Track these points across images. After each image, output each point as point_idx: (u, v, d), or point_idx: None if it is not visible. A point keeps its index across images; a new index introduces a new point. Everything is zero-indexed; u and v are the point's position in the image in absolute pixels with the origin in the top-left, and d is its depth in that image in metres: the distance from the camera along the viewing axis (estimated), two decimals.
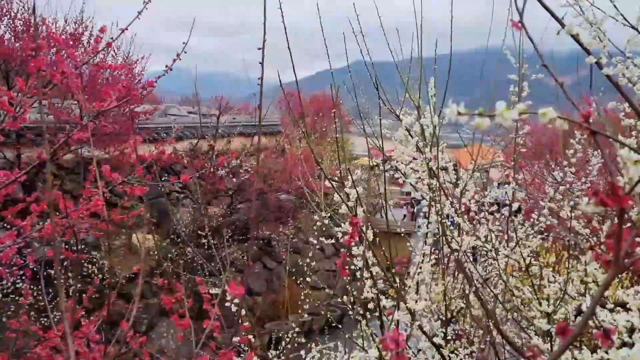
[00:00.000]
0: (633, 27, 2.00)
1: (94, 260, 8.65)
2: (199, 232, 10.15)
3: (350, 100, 3.54)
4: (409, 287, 2.42)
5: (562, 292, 2.14)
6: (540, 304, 2.20)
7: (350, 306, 3.06)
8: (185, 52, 2.20)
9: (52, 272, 8.18)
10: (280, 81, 2.00)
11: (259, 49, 1.46)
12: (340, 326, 3.10)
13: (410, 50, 2.91)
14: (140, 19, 2.13)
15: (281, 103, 18.44)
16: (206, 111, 13.31)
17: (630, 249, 0.68)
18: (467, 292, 3.07)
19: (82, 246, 8.60)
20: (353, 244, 2.83)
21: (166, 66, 2.33)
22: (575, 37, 1.63)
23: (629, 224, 0.73)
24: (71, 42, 7.79)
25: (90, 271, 8.55)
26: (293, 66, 2.43)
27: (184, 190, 11.63)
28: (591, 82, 1.37)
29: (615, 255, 0.66)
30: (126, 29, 2.32)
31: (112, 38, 2.38)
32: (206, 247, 10.36)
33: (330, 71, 2.99)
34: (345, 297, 3.05)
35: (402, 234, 4.69)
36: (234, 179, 10.37)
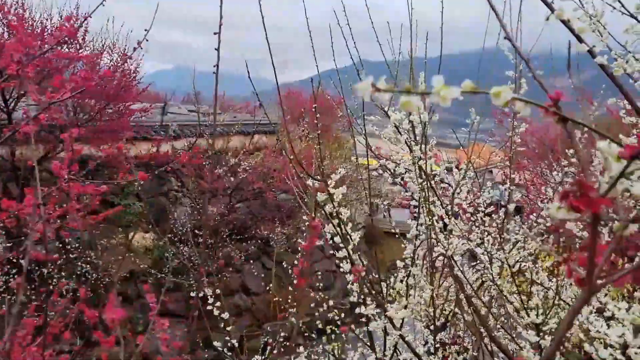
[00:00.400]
0: (632, 16, 1.85)
1: (88, 259, 8.53)
2: (197, 231, 10.04)
3: (351, 100, 3.40)
4: (393, 291, 2.29)
5: (554, 298, 2.00)
6: (528, 314, 2.06)
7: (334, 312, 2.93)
8: (147, 40, 2.08)
9: (45, 271, 8.09)
10: (249, 74, 1.86)
11: (215, 33, 1.32)
12: (313, 334, 2.97)
13: (399, 46, 2.78)
14: (104, 5, 2.01)
15: (282, 102, 18.28)
16: (205, 110, 13.19)
17: (607, 266, 0.54)
18: (459, 296, 2.93)
19: (76, 245, 8.50)
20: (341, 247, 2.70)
21: (124, 54, 2.20)
22: (566, 23, 1.49)
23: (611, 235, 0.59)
24: (67, 38, 7.67)
25: (84, 270, 8.43)
26: (273, 64, 2.29)
27: (183, 189, 11.53)
28: (569, 64, 1.23)
29: (589, 274, 0.52)
30: (89, 16, 2.20)
31: (75, 26, 2.26)
32: (204, 246, 10.25)
33: (318, 72, 2.88)
34: (330, 301, 2.92)
35: (397, 235, 4.55)
36: (232, 178, 10.25)
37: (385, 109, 2.81)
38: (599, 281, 0.54)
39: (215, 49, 1.34)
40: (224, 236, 10.20)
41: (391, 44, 3.16)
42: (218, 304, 3.18)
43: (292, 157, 2.10)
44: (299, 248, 3.64)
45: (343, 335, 2.58)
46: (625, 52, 2.19)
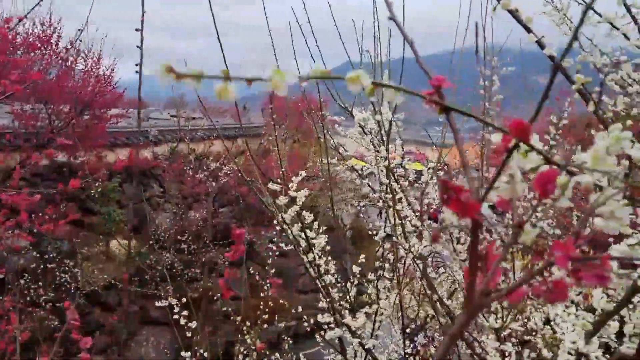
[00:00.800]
0: (589, 7, 1.79)
1: (67, 268, 8.36)
2: (179, 237, 9.91)
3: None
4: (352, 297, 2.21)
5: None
6: (486, 318, 1.99)
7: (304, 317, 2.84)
8: (81, 41, 1.99)
9: (23, 282, 7.92)
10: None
11: (137, 30, 1.24)
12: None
13: (360, 47, 2.71)
14: (41, 5, 1.91)
15: (266, 105, 18.18)
16: (187, 114, 13.07)
17: (494, 280, 0.47)
18: (434, 299, 2.86)
19: (54, 254, 8.32)
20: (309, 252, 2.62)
21: (57, 55, 2.10)
22: (513, 13, 1.43)
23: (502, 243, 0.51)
24: (39, 45, 7.52)
25: (63, 280, 8.26)
26: (226, 64, 2.21)
27: (165, 195, 11.38)
28: (477, 50, 1.16)
29: (469, 289, 0.45)
30: (25, 16, 2.10)
31: (48, 32, 2.17)
32: (186, 252, 10.11)
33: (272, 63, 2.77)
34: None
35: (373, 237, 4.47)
36: (214, 183, 10.13)
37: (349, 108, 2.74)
38: (491, 296, 0.47)
39: (138, 47, 1.26)
40: (207, 241, 10.08)
41: (358, 43, 3.10)
42: (185, 312, 3.09)
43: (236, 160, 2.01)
44: (275, 251, 3.56)
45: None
46: (593, 46, 2.14)
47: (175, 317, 3.05)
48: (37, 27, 7.91)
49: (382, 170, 2.70)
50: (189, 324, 3.03)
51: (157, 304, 3.30)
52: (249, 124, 13.66)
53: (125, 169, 9.50)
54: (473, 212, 0.42)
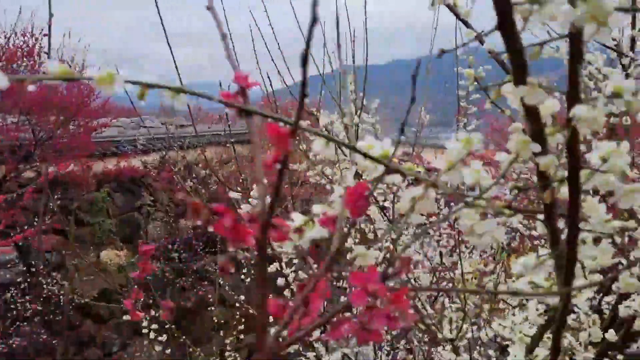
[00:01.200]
0: None
1: (55, 281, 8.27)
2: (170, 246, 9.83)
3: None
4: None
5: (465, 309, 1.82)
6: (438, 329, 1.90)
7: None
8: (48, 50, 1.91)
9: (10, 295, 7.83)
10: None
11: (45, 35, 1.16)
12: None
13: (330, 54, 2.65)
14: None
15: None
16: (177, 122, 13.01)
17: (311, 316, 0.39)
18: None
19: (41, 267, 8.22)
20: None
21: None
22: (452, 8, 1.36)
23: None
24: (20, 55, 7.45)
25: (51, 293, 8.16)
26: (178, 71, 2.15)
27: (156, 204, 11.30)
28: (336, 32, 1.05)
29: (259, 333, 0.37)
30: None
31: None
32: (177, 261, 10.02)
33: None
34: None
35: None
36: (204, 190, 10.04)
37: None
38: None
39: (45, 53, 1.17)
40: (198, 250, 9.99)
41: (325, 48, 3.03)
42: (155, 326, 3.01)
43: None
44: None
45: None
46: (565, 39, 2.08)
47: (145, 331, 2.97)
48: (18, 39, 7.86)
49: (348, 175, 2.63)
50: (159, 338, 2.95)
51: (125, 317, 3.21)
52: (240, 130, 13.59)
53: (114, 179, 9.44)
54: (247, 239, 0.35)
